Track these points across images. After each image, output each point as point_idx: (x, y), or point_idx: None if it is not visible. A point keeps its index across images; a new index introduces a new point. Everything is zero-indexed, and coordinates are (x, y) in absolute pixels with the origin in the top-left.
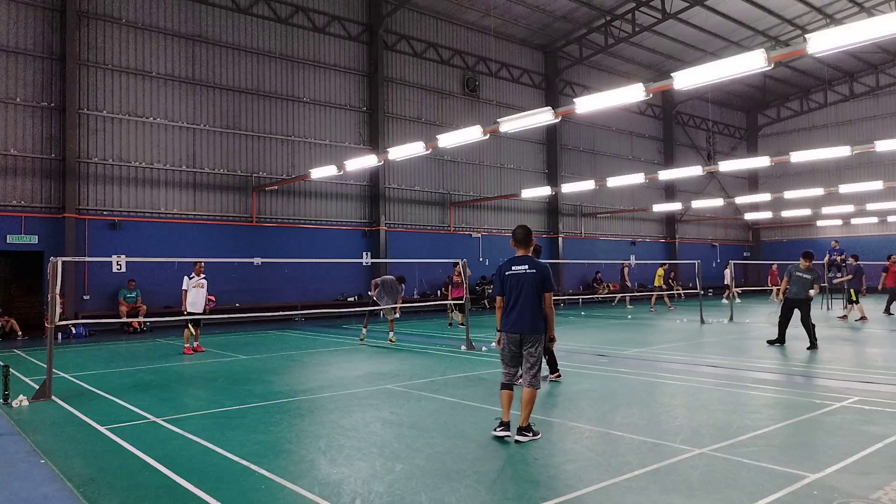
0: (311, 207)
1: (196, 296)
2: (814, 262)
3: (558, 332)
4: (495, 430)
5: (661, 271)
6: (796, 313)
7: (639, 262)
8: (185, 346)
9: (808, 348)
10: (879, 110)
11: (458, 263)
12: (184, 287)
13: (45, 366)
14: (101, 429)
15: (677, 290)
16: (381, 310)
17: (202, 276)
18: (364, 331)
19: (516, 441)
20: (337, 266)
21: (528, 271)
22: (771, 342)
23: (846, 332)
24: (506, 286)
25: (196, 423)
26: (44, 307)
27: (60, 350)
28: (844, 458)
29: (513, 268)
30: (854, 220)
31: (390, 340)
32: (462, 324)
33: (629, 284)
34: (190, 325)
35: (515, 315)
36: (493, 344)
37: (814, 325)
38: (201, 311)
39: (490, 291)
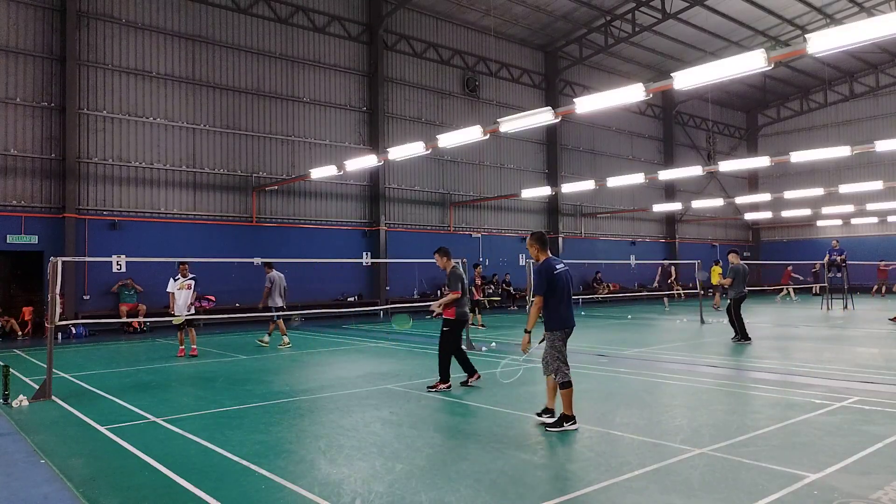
0: (311, 207)
1: (182, 298)
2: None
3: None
4: (572, 425)
5: (718, 268)
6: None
7: (639, 262)
8: (181, 347)
9: (738, 340)
10: (879, 110)
11: (478, 265)
12: (168, 289)
13: (45, 366)
14: (101, 429)
15: (677, 290)
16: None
17: (189, 276)
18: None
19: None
20: (337, 266)
21: (567, 268)
22: (739, 340)
23: (846, 333)
24: (557, 285)
25: (196, 423)
26: (44, 307)
27: (60, 350)
28: (844, 458)
29: (557, 267)
30: (854, 220)
31: (280, 343)
32: (482, 325)
33: (676, 283)
34: (184, 327)
35: (571, 310)
36: (534, 347)
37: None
38: (188, 313)
39: (534, 290)
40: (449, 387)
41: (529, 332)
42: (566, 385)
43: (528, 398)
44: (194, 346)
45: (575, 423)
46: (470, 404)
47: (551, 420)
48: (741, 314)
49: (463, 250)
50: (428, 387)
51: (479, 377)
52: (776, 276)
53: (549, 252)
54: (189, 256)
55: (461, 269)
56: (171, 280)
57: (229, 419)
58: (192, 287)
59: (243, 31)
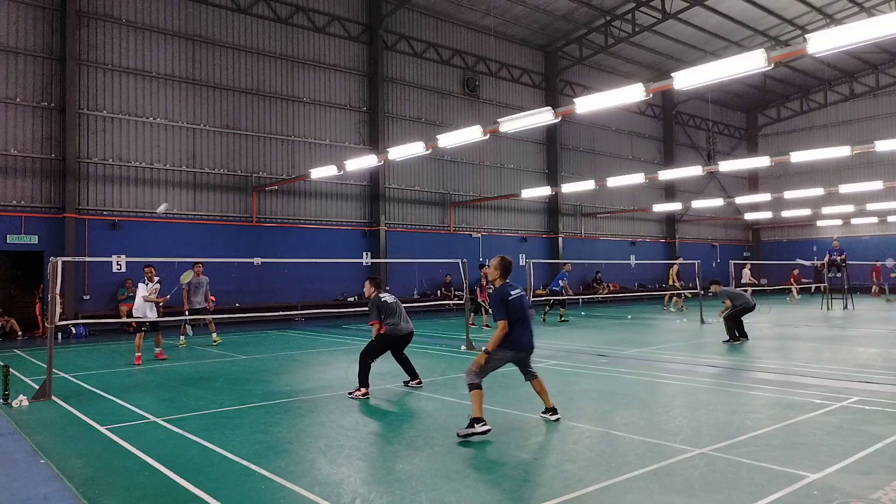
0: (311, 207)
1: (142, 302)
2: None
3: (558, 333)
4: (480, 427)
5: (676, 268)
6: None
7: (639, 262)
8: (137, 354)
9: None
10: (879, 110)
11: (483, 266)
12: (140, 294)
13: (45, 366)
14: (101, 429)
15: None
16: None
17: (156, 280)
18: (182, 337)
19: (557, 420)
20: (337, 266)
21: (522, 293)
22: (734, 342)
23: (846, 333)
24: (512, 310)
25: (196, 423)
26: (44, 307)
27: (60, 350)
28: (844, 458)
29: (512, 292)
30: (854, 220)
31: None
32: (487, 325)
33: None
34: (142, 333)
35: (529, 334)
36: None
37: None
38: (152, 318)
39: (495, 317)
40: (366, 394)
41: (489, 353)
42: (474, 387)
43: (529, 398)
44: (160, 350)
45: (485, 424)
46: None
47: (554, 417)
48: (733, 319)
49: (463, 250)
50: (349, 392)
51: (419, 382)
52: (776, 277)
53: (507, 279)
54: (189, 256)
55: (382, 299)
56: (141, 284)
57: (229, 419)
58: (157, 292)
59: (243, 31)
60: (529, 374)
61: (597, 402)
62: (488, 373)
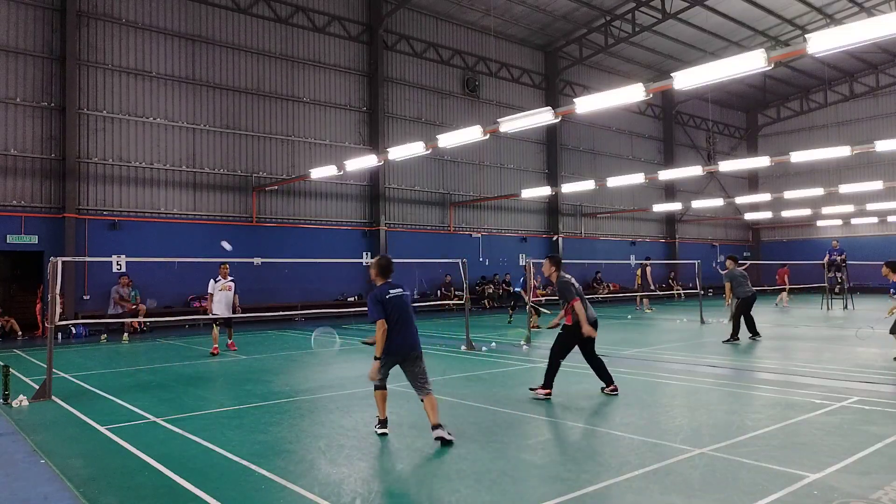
0: (311, 207)
1: (223, 298)
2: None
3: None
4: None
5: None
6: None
7: (639, 262)
8: (214, 346)
9: (727, 341)
10: (879, 110)
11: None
12: (209, 291)
13: (45, 366)
14: (101, 429)
15: (677, 290)
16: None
17: (229, 278)
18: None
19: (442, 442)
20: (337, 266)
21: (403, 292)
22: (735, 341)
23: (846, 333)
24: (390, 309)
25: (196, 423)
26: (44, 307)
27: (60, 350)
28: (844, 458)
29: (391, 291)
30: (854, 220)
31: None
32: (511, 320)
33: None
34: (216, 326)
35: (405, 336)
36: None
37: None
38: (230, 313)
39: (369, 316)
40: (548, 395)
41: (378, 359)
42: (377, 387)
43: (528, 398)
44: (222, 344)
45: (383, 427)
46: (470, 404)
47: (437, 435)
48: (740, 315)
49: (463, 250)
50: (530, 388)
51: (614, 389)
52: (772, 277)
53: (388, 279)
54: (189, 256)
55: (571, 281)
56: (212, 281)
57: (229, 419)
58: (233, 288)
59: (243, 31)
60: (420, 389)
61: (597, 402)
62: (385, 376)
